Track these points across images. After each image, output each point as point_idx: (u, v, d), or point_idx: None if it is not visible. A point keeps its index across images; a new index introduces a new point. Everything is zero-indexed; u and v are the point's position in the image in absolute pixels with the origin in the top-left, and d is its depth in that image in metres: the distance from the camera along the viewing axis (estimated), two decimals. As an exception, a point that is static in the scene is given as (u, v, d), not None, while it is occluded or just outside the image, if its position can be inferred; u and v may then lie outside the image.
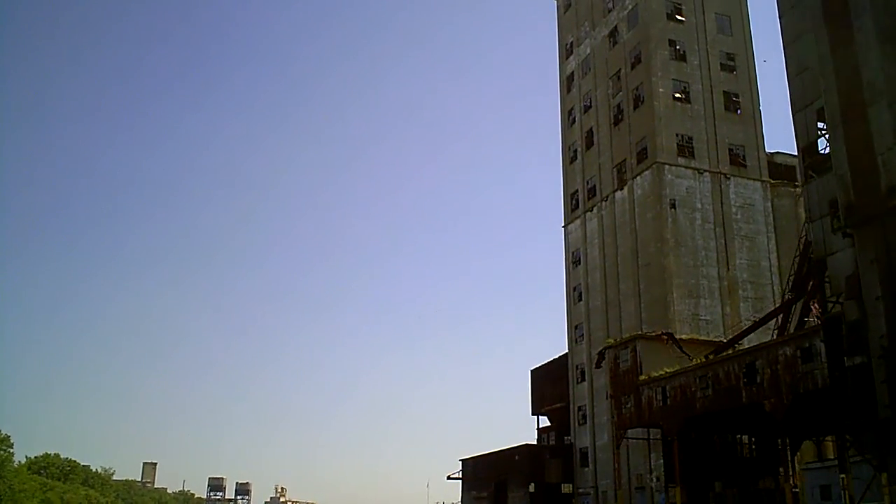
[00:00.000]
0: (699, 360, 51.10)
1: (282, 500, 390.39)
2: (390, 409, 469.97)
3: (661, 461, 59.86)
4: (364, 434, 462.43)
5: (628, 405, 55.78)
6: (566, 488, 71.87)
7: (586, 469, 70.91)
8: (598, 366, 61.78)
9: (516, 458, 74.23)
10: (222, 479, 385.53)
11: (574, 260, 78.46)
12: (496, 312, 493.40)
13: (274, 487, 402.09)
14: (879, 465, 35.27)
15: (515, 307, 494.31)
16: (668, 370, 51.94)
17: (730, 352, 50.47)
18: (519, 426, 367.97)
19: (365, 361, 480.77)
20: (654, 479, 60.47)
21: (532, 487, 71.48)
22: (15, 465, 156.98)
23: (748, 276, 67.14)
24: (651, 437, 59.76)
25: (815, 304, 49.95)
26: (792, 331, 53.57)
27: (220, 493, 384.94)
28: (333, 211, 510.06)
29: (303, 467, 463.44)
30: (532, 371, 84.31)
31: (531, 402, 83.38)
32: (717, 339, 58.49)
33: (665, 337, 55.69)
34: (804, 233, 55.28)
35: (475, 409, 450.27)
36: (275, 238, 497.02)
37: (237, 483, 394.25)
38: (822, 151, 42.72)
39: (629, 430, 56.45)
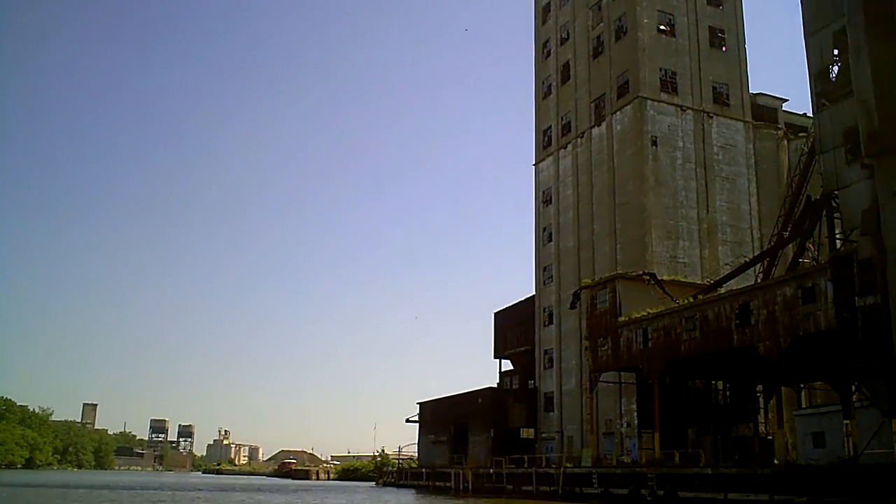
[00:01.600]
0: (684, 302, 48.47)
1: (225, 442, 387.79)
2: (343, 355, 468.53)
3: (633, 406, 57.71)
4: (313, 380, 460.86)
5: (605, 347, 53.11)
6: (526, 433, 69.54)
7: (551, 414, 68.59)
8: (572, 306, 58.84)
9: (479, 401, 71.55)
10: (165, 421, 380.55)
11: (545, 199, 75.14)
12: (459, 254, 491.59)
13: (217, 430, 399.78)
14: (890, 411, 33.00)
15: (480, 249, 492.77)
16: (650, 311, 49.25)
17: (720, 291, 47.94)
18: (480, 371, 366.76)
19: (316, 306, 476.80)
20: (625, 425, 58.28)
21: (492, 432, 69.03)
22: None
23: (728, 220, 64.66)
24: (622, 382, 57.52)
25: (812, 245, 47.69)
26: (777, 275, 51.57)
27: (163, 435, 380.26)
28: (299, 156, 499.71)
29: (246, 411, 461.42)
30: (496, 314, 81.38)
31: (494, 345, 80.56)
32: (698, 283, 55.98)
33: (647, 277, 52.93)
34: (796, 171, 52.83)
35: (433, 354, 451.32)
36: (238, 181, 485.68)
37: (180, 425, 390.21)
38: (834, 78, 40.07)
39: (602, 374, 54.18)
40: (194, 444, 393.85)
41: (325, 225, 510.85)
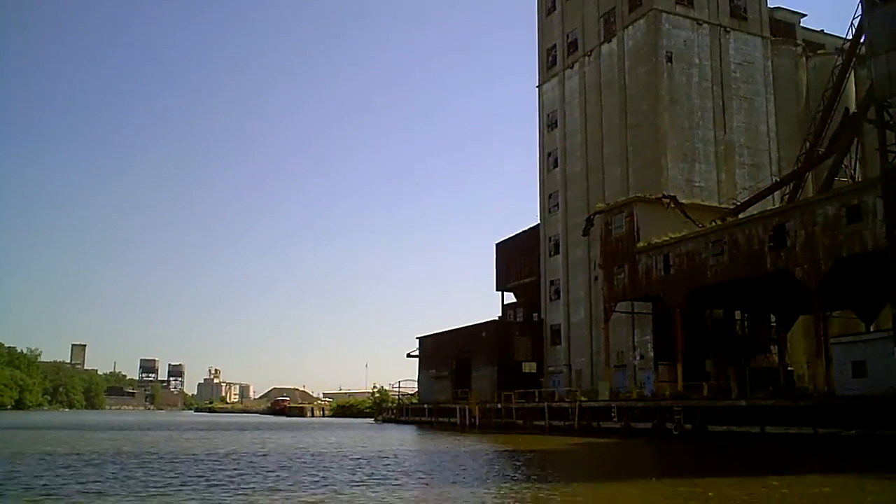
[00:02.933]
0: (711, 225, 45.39)
1: (216, 381, 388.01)
2: (335, 292, 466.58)
3: (648, 338, 55.17)
4: (304, 318, 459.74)
5: (621, 276, 50.21)
6: (528, 367, 67.09)
7: (558, 347, 66.08)
8: (585, 233, 55.73)
9: (483, 334, 68.79)
10: (155, 360, 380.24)
11: (549, 123, 71.31)
12: (459, 185, 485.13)
13: (207, 369, 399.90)
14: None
15: (480, 179, 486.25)
16: (672, 235, 46.16)
17: (752, 214, 44.82)
18: (480, 305, 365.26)
19: (309, 243, 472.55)
20: (638, 357, 55.75)
21: (497, 366, 66.53)
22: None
23: (745, 141, 61.23)
24: (636, 312, 54.84)
25: (849, 162, 44.53)
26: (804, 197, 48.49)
27: (153, 375, 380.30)
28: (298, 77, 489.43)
29: (236, 350, 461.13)
30: (498, 245, 78.23)
31: (496, 277, 77.64)
32: (720, 206, 52.80)
33: (667, 200, 49.71)
34: (829, 83, 49.39)
35: (430, 289, 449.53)
36: (233, 117, 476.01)
37: (170, 365, 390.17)
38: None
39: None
40: (185, 383, 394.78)
41: (318, 159, 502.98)
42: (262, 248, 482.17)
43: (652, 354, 54.08)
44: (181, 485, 18.98)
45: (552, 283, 68.10)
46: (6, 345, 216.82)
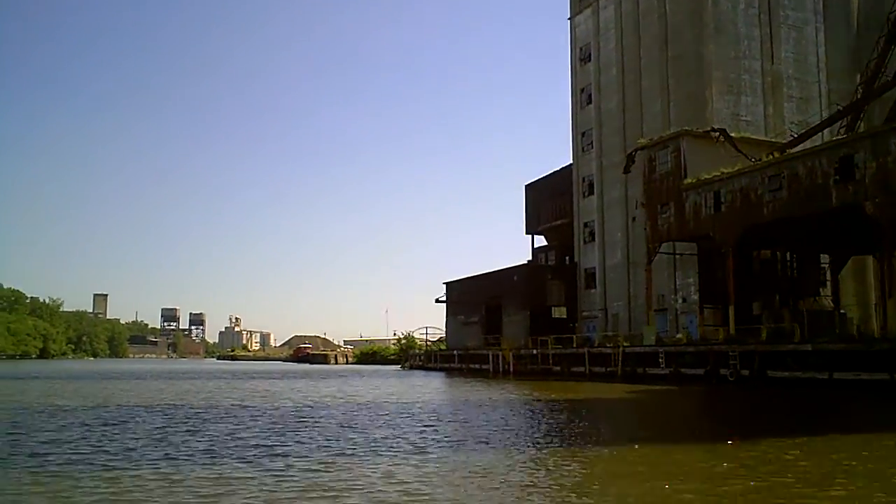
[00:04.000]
0: (767, 158, 42.41)
1: (236, 329, 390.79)
2: (357, 237, 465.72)
3: (690, 280, 52.68)
4: (324, 266, 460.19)
5: (666, 215, 47.45)
6: (558, 312, 64.87)
7: (593, 291, 63.67)
8: (626, 171, 52.83)
9: (514, 278, 66.41)
10: (176, 309, 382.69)
11: (582, 57, 67.76)
12: (486, 125, 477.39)
13: (228, 317, 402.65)
14: None
15: (507, 119, 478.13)
16: (724, 170, 43.22)
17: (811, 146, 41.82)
18: (508, 249, 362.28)
19: (329, 189, 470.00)
20: (680, 300, 53.33)
21: (529, 311, 64.36)
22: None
23: (794, 72, 57.62)
24: (677, 253, 52.26)
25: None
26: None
27: (175, 324, 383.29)
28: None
29: (256, 298, 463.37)
30: (527, 186, 75.40)
31: (525, 220, 74.98)
32: (773, 140, 49.60)
33: (716, 134, 46.61)
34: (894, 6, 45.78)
35: (457, 233, 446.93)
36: (263, 66, 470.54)
37: (191, 313, 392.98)
38: None
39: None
40: (206, 331, 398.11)
41: (339, 102, 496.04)
42: (281, 194, 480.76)
43: (695, 297, 51.67)
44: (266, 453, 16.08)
45: (586, 224, 65.39)
46: (28, 295, 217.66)
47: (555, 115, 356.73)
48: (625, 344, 47.46)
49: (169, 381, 53.40)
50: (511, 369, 58.07)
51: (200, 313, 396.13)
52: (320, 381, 55.61)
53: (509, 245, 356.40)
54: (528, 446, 16.19)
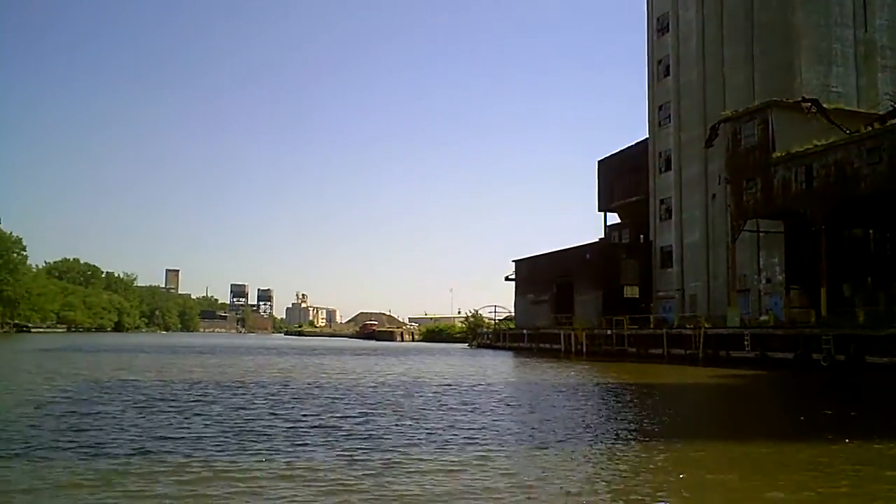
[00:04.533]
0: (865, 130, 39.85)
1: (303, 305, 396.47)
2: (422, 215, 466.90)
3: (775, 259, 50.26)
4: (390, 243, 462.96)
5: (752, 190, 45.20)
6: (630, 291, 62.98)
7: (669, 270, 61.53)
8: (708, 144, 50.61)
9: (587, 256, 64.69)
10: (244, 285, 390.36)
11: (660, 27, 65.17)
12: (555, 99, 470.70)
13: (295, 294, 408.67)
14: None
15: (579, 92, 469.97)
16: (816, 143, 40.81)
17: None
18: (578, 227, 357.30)
19: (398, 164, 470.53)
20: (763, 281, 50.97)
21: (602, 291, 62.67)
22: (33, 269, 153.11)
23: (888, 41, 54.27)
24: (760, 231, 49.83)
25: None
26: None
27: (243, 299, 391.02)
28: None
29: (322, 275, 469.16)
30: (600, 162, 73.35)
31: (598, 197, 73.02)
32: (870, 112, 46.71)
33: (807, 104, 44.04)
34: None
35: (527, 210, 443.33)
36: (322, 38, 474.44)
37: (259, 289, 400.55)
38: None
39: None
40: (273, 307, 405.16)
41: (407, 75, 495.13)
42: (348, 173, 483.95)
43: (780, 278, 49.30)
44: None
45: (662, 201, 63.18)
46: (103, 270, 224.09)
47: (629, 88, 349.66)
48: (706, 325, 45.52)
49: (248, 357, 53.10)
50: (584, 350, 56.63)
51: (268, 289, 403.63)
52: (391, 358, 55.03)
53: (579, 223, 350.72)
54: (633, 438, 14.98)
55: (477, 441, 13.81)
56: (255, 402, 20.64)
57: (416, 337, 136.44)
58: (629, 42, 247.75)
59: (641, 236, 66.12)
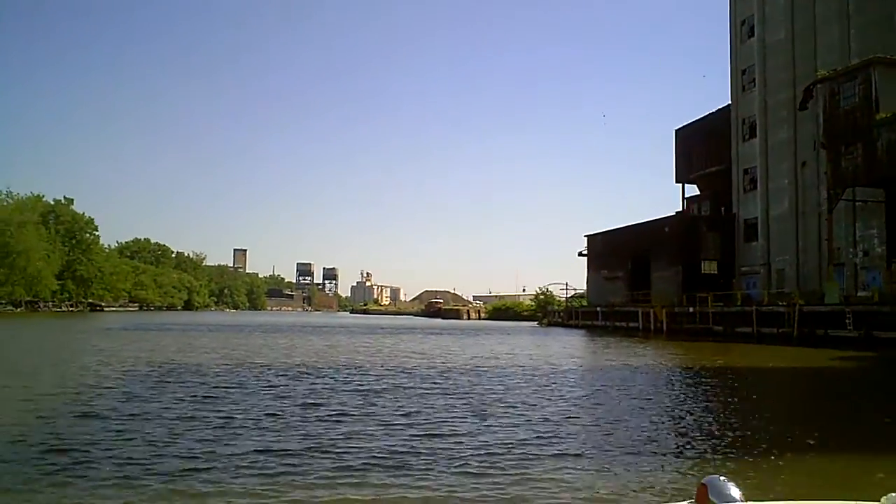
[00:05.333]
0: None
1: (367, 284, 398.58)
2: (486, 192, 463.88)
3: (874, 231, 46.58)
4: (453, 221, 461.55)
5: (852, 156, 41.72)
6: (707, 267, 59.68)
7: (754, 244, 58.06)
8: (802, 107, 47.09)
9: (665, 230, 61.57)
10: (310, 264, 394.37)
11: (743, -15, 61.28)
12: (630, 65, 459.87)
13: (360, 272, 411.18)
14: None
15: (654, 57, 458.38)
16: (928, 102, 37.21)
17: None
18: (652, 199, 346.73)
19: (462, 139, 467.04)
20: (860, 254, 47.37)
21: (682, 266, 59.59)
22: (105, 249, 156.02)
23: None
24: (860, 200, 46.14)
25: None
26: None
27: (309, 278, 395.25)
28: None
29: (386, 254, 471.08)
30: (678, 131, 69.80)
31: (675, 167, 69.58)
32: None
33: (916, 60, 40.28)
34: None
35: (595, 183, 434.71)
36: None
37: (324, 268, 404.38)
38: None
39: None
40: (338, 285, 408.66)
41: (473, 49, 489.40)
42: (413, 152, 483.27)
43: (880, 250, 45.67)
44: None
45: (746, 171, 59.58)
46: (173, 249, 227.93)
47: (709, 52, 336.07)
48: (800, 302, 42.33)
49: (318, 337, 50.98)
50: (664, 328, 53.85)
51: (333, 268, 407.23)
52: (463, 337, 52.86)
53: (652, 197, 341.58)
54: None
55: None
56: (342, 397, 16.99)
57: (483, 315, 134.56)
58: (708, 5, 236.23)
59: (722, 208, 62.68)
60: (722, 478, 2.26)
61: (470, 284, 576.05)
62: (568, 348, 39.67)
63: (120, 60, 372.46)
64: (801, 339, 39.96)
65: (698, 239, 59.60)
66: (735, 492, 2.20)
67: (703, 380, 23.33)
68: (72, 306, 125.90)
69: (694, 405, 16.91)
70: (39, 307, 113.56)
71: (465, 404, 15.77)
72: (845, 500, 2.28)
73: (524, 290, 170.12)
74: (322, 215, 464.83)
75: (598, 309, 67.70)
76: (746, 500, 2.21)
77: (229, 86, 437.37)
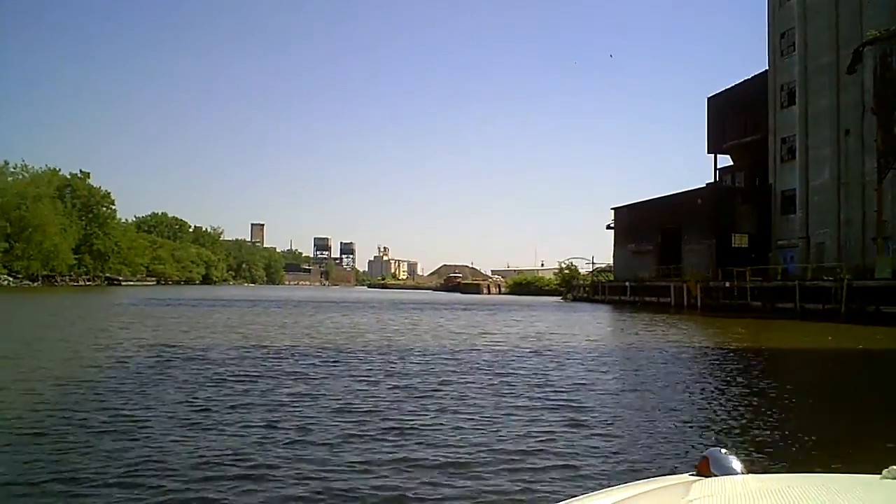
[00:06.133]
0: None
1: (384, 258, 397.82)
2: (504, 165, 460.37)
3: (924, 203, 44.09)
4: (474, 194, 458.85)
5: (905, 121, 39.19)
6: (739, 240, 57.37)
7: (791, 216, 55.56)
8: (850, 70, 44.46)
9: (698, 202, 59.12)
10: (327, 239, 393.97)
11: (781, -56, 58.27)
12: (658, 32, 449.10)
13: (377, 247, 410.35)
14: None
15: (684, 21, 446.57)
16: None
17: None
18: (682, 172, 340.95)
19: (482, 111, 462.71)
20: (908, 227, 44.86)
21: (715, 239, 57.27)
22: (123, 223, 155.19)
23: None
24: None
25: None
26: None
27: (326, 252, 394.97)
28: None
29: (403, 228, 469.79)
30: (710, 99, 67.09)
31: (707, 137, 66.95)
32: None
33: (978, 18, 37.59)
34: None
35: (614, 155, 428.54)
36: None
37: (342, 243, 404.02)
38: None
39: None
40: (356, 260, 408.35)
41: (500, 23, 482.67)
42: (430, 126, 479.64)
43: (931, 222, 43.23)
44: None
45: (784, 140, 56.94)
46: (191, 224, 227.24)
47: (744, 16, 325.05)
48: (847, 277, 40.03)
49: (340, 313, 47.92)
50: (698, 304, 51.66)
51: (351, 243, 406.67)
52: (493, 314, 50.20)
53: (679, 169, 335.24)
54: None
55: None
56: (377, 392, 13.48)
57: (503, 289, 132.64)
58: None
59: (757, 180, 60.18)
60: (723, 450, 2.27)
61: (488, 259, 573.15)
62: (606, 325, 37.63)
63: (137, 32, 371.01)
64: (849, 315, 37.73)
65: (733, 211, 57.18)
66: (736, 464, 2.21)
67: (763, 364, 21.28)
68: (89, 281, 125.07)
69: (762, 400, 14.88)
70: (56, 282, 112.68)
71: (554, 404, 13.57)
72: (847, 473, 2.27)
73: (542, 265, 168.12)
74: (339, 190, 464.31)
75: (627, 284, 65.48)
76: (748, 473, 2.20)
77: (247, 59, 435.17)
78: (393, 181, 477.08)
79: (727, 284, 49.63)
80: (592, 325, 38.11)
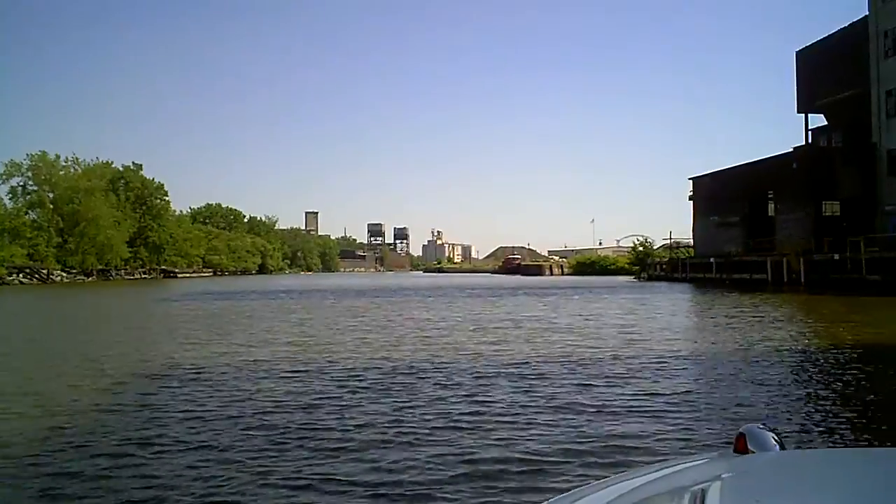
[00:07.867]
0: None
1: (438, 242, 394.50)
2: (555, 139, 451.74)
3: None
4: (527, 175, 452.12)
5: None
6: (829, 208, 51.73)
7: (899, 179, 49.79)
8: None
9: (792, 166, 53.39)
10: (381, 224, 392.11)
11: None
12: None
13: (430, 231, 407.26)
14: None
15: None
16: None
17: None
18: (764, 137, 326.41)
19: (532, 88, 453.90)
20: None
21: (814, 207, 51.69)
22: (178, 214, 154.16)
23: None
24: None
25: None
26: None
27: (380, 238, 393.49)
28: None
29: (456, 212, 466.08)
30: (799, 53, 61.01)
31: (797, 94, 60.80)
32: None
33: None
34: None
35: (700, 123, 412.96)
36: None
37: (395, 228, 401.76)
38: None
39: None
40: (409, 245, 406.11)
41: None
42: (482, 108, 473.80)
43: None
44: None
45: (889, 93, 50.92)
46: (245, 214, 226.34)
47: None
48: None
49: (412, 301, 42.96)
50: (801, 279, 46.31)
51: (404, 227, 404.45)
52: (581, 301, 40.34)
53: (761, 134, 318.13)
54: None
55: None
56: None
57: (566, 270, 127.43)
58: None
59: (857, 139, 54.21)
60: (760, 426, 2.19)
61: (543, 240, 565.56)
62: (712, 310, 32.78)
63: (191, 26, 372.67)
64: None
65: (832, 175, 51.47)
66: (774, 441, 2.14)
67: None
68: (145, 274, 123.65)
69: None
70: (111, 276, 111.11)
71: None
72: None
73: (601, 244, 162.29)
74: (391, 175, 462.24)
75: (712, 260, 59.96)
76: (784, 449, 2.15)
77: (299, 48, 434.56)
78: (444, 164, 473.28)
79: (836, 257, 44.20)
80: (693, 311, 33.23)
